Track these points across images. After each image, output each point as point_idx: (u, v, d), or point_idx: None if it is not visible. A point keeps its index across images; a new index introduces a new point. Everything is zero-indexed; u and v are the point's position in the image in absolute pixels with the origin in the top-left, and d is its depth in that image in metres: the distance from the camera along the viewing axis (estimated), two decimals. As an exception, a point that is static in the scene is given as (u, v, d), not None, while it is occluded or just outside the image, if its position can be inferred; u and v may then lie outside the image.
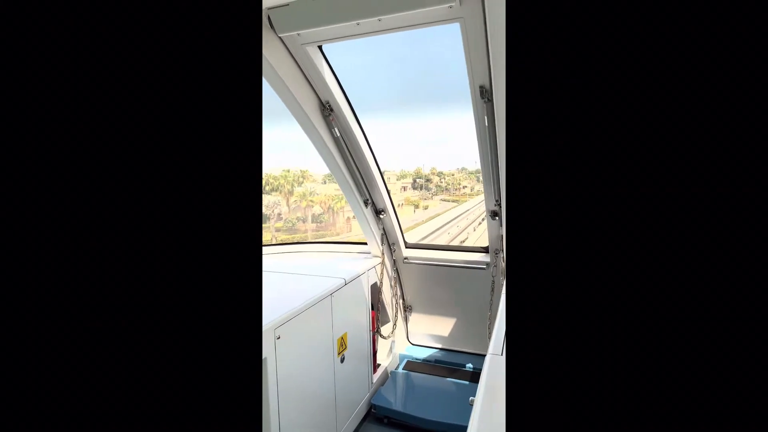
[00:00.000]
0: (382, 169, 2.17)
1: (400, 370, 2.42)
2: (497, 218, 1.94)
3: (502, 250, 2.00)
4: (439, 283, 2.42)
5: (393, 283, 2.45)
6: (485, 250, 2.24)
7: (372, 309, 2.25)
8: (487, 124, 1.55)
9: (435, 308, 2.50)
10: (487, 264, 2.20)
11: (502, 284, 1.88)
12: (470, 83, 1.48)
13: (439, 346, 2.55)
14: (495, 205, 1.90)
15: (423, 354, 2.52)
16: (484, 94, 1.46)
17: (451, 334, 2.50)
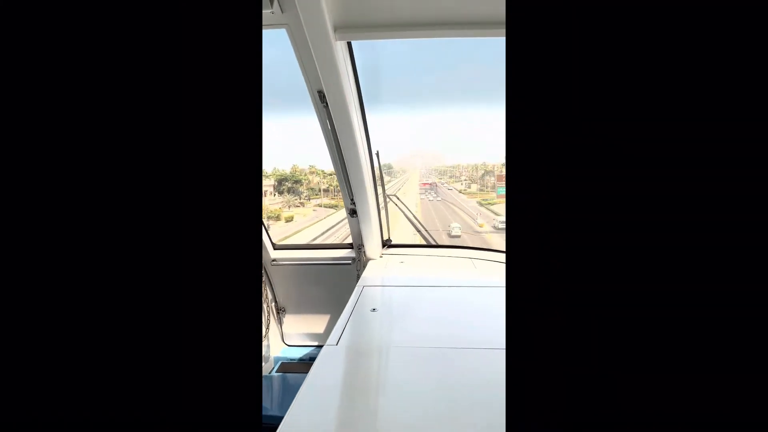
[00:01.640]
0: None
1: (273, 373, 2.40)
2: (356, 215, 2.11)
3: (363, 245, 2.17)
4: (311, 282, 2.47)
5: (263, 287, 2.41)
6: (350, 246, 2.40)
7: None
8: (329, 128, 1.62)
9: (308, 307, 2.54)
10: (353, 259, 2.35)
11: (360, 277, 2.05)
12: (308, 89, 1.52)
13: (316, 343, 2.61)
14: (351, 203, 2.05)
15: (299, 353, 2.55)
16: (323, 98, 1.51)
17: (326, 330, 2.58)
